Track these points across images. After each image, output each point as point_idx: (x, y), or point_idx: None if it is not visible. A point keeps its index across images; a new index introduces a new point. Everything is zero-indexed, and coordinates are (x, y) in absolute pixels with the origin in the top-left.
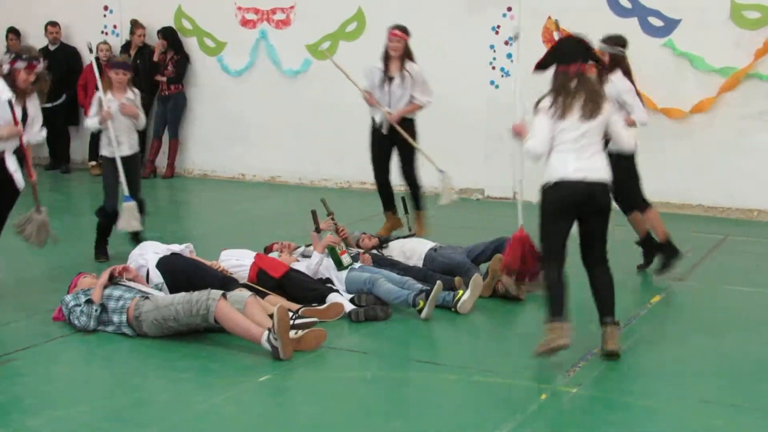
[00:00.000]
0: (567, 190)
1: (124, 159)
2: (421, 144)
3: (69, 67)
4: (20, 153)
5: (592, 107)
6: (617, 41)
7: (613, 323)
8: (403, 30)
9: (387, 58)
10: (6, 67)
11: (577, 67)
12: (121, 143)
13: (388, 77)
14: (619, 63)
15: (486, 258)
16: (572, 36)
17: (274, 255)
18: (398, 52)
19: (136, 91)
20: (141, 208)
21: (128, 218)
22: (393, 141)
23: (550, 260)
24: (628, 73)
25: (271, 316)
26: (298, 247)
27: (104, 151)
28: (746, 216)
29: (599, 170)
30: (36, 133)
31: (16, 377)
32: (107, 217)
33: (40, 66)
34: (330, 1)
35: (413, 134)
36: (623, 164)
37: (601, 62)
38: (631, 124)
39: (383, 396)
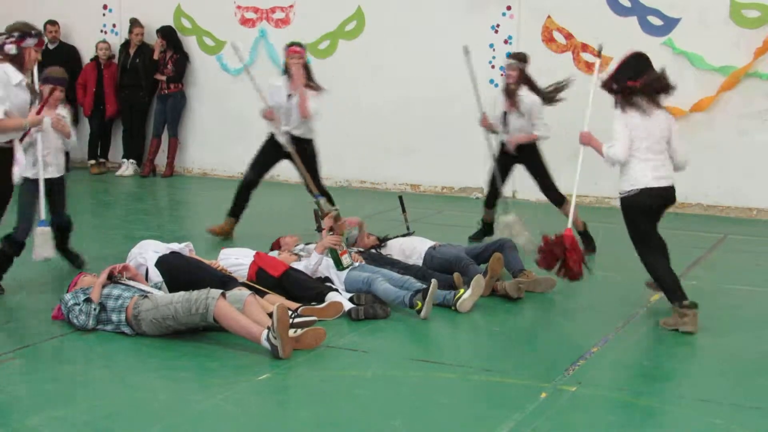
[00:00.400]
0: (650, 197)
1: (50, 181)
2: (421, 144)
3: (68, 66)
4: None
5: (662, 100)
6: (524, 58)
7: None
8: (302, 46)
9: (288, 74)
10: (12, 48)
11: (644, 79)
12: (48, 164)
13: (289, 95)
14: (527, 79)
15: (486, 258)
16: (637, 53)
17: (273, 254)
18: (299, 68)
19: (68, 108)
20: (68, 227)
21: (43, 244)
22: (286, 155)
23: (655, 257)
24: (535, 89)
25: (270, 314)
26: (298, 244)
27: (28, 173)
28: (745, 215)
29: (671, 177)
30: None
31: (15, 376)
32: (15, 246)
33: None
34: (329, 0)
35: (313, 153)
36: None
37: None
38: (534, 139)
39: (383, 395)
